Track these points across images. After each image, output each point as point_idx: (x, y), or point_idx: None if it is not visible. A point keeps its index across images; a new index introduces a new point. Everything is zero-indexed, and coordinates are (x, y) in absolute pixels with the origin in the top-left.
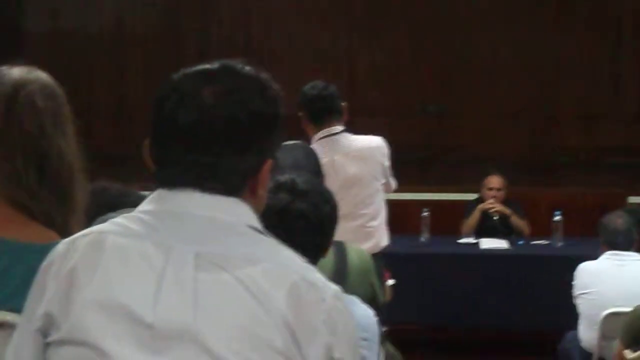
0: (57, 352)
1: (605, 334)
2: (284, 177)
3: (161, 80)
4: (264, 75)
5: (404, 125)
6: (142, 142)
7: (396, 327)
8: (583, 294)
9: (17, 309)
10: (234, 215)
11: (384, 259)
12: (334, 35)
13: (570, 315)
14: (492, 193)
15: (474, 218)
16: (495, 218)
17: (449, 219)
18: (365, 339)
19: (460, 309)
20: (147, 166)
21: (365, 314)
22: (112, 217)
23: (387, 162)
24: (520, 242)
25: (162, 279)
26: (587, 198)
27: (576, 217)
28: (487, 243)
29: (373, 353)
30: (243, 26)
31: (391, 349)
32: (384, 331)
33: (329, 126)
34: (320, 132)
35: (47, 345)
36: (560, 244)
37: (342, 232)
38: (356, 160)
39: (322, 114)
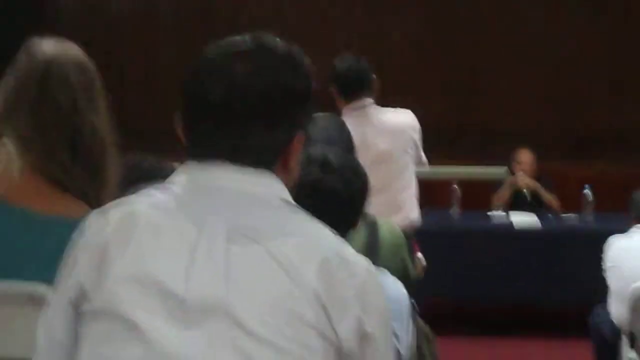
0: (88, 324)
1: (634, 308)
2: (315, 152)
3: (193, 53)
4: (295, 50)
5: (433, 101)
6: (174, 117)
7: (426, 302)
8: (613, 267)
9: (50, 281)
10: (266, 188)
11: (415, 234)
12: (364, 13)
13: (600, 290)
14: (522, 166)
15: (504, 191)
16: (525, 192)
17: (478, 193)
18: (396, 313)
19: (491, 284)
20: (179, 140)
21: (396, 288)
22: (144, 190)
23: (416, 135)
24: (550, 217)
25: (194, 252)
26: (617, 174)
27: (606, 193)
28: (517, 217)
29: (403, 327)
30: (275, 7)
31: (421, 322)
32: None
33: (359, 99)
34: (351, 105)
35: (78, 316)
36: (589, 218)
37: (372, 206)
38: (387, 134)
39: (352, 87)
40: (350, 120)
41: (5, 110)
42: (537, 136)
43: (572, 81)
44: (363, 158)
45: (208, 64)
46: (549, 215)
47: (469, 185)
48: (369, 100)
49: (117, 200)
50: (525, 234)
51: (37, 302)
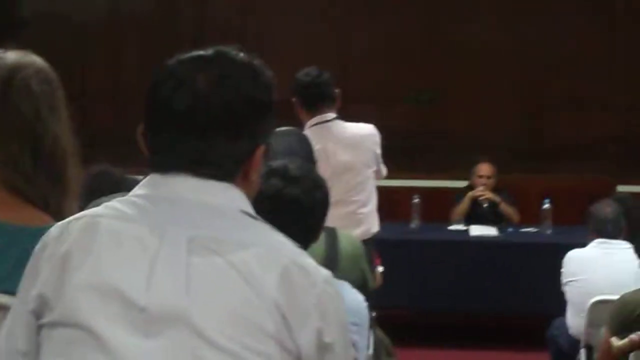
0: (50, 333)
1: (592, 321)
2: (276, 163)
3: (156, 65)
4: (258, 62)
5: (394, 112)
6: (137, 126)
7: (386, 313)
8: (571, 281)
9: (11, 291)
10: (227, 199)
11: (374, 245)
12: (326, 21)
13: (558, 302)
14: (482, 181)
15: (464, 205)
16: (485, 205)
17: (439, 206)
18: (355, 324)
19: (449, 296)
20: (141, 151)
21: (356, 298)
22: (106, 201)
23: (378, 150)
24: (510, 230)
25: (155, 262)
26: (577, 186)
27: (565, 205)
28: (477, 230)
29: (363, 338)
30: (238, 12)
31: (381, 334)
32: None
33: (322, 113)
34: (313, 118)
35: (40, 326)
36: (549, 231)
37: (333, 219)
38: (348, 148)
39: (314, 100)
40: (312, 133)
41: None
42: (498, 148)
43: (534, 94)
44: (324, 170)
45: (171, 75)
46: (509, 228)
47: (430, 197)
48: (331, 115)
49: (80, 213)
50: (485, 246)
51: None
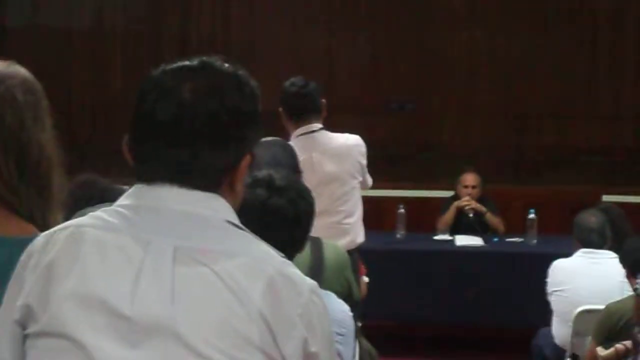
0: (35, 344)
1: (578, 331)
2: (261, 173)
3: (140, 76)
4: (243, 72)
5: (379, 122)
6: (121, 137)
7: (371, 323)
8: (556, 291)
9: None
10: (212, 210)
11: (359, 255)
12: (312, 32)
13: (543, 312)
14: (467, 190)
15: (449, 215)
16: (470, 215)
17: (424, 215)
18: (340, 334)
19: (434, 306)
20: (126, 161)
21: (341, 309)
22: (91, 211)
23: (364, 160)
24: (495, 240)
25: (140, 272)
26: (562, 196)
27: (550, 215)
28: (462, 240)
29: (348, 348)
30: (223, 23)
31: (366, 344)
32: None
33: (308, 123)
34: (299, 129)
35: (25, 337)
36: (534, 241)
37: (318, 229)
38: (334, 158)
39: (301, 111)
40: (298, 143)
41: None
42: (483, 158)
43: (518, 104)
44: (309, 180)
45: (156, 85)
46: (494, 238)
47: (415, 207)
48: (318, 125)
49: (65, 223)
50: (470, 256)
51: None
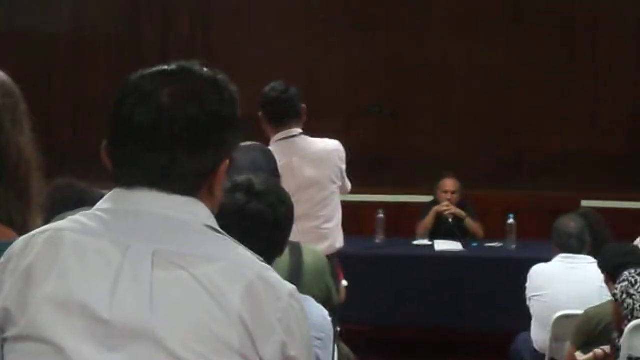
0: (14, 347)
1: (556, 336)
2: (241, 178)
3: (120, 81)
4: (221, 76)
5: (358, 127)
6: (100, 141)
7: (350, 328)
8: (535, 296)
9: None
10: (191, 214)
11: (339, 260)
12: (292, 37)
13: (522, 317)
14: (447, 196)
15: (429, 220)
16: (449, 220)
17: (403, 220)
18: (319, 339)
19: (414, 310)
20: (105, 166)
21: (320, 313)
22: (70, 215)
23: (343, 165)
24: (474, 245)
25: (119, 276)
26: (541, 201)
27: (529, 221)
28: (442, 245)
29: (327, 352)
30: (202, 27)
31: (345, 349)
32: (338, 331)
33: (288, 128)
34: (279, 133)
35: (3, 340)
36: (513, 246)
37: (298, 233)
38: (313, 163)
39: (281, 116)
40: (278, 148)
41: None
42: (462, 164)
43: (498, 108)
44: (288, 185)
45: (135, 90)
46: (473, 243)
47: (394, 212)
48: (298, 130)
49: (44, 227)
50: (449, 261)
51: None
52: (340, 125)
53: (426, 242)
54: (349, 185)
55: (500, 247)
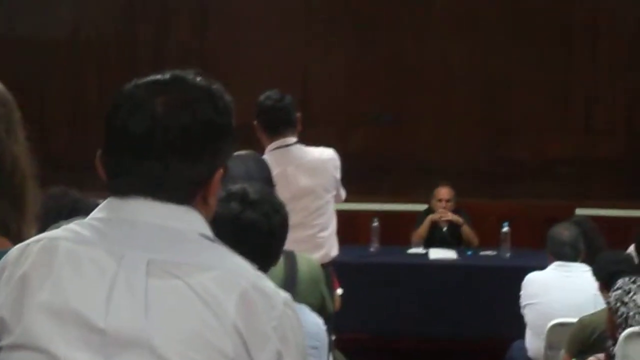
0: (9, 356)
1: (551, 344)
2: (235, 187)
3: (115, 88)
4: (216, 86)
5: (353, 135)
6: (96, 150)
7: (345, 336)
8: (530, 304)
9: None
10: (185, 223)
11: (333, 269)
12: (288, 44)
13: (517, 325)
14: (442, 204)
15: (423, 228)
16: (444, 229)
17: (398, 229)
18: (314, 347)
19: (409, 319)
20: (100, 175)
21: (315, 322)
22: (65, 224)
23: (338, 175)
24: (469, 253)
25: (113, 285)
26: (535, 210)
27: (524, 229)
28: (436, 253)
29: None
30: (198, 35)
31: (340, 357)
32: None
33: (283, 137)
34: (274, 142)
35: None
36: (508, 254)
37: (292, 242)
38: (308, 172)
39: (276, 125)
40: (273, 157)
41: None
42: (457, 172)
43: (492, 118)
44: (283, 194)
45: (129, 99)
46: (468, 251)
47: (389, 220)
48: (293, 139)
49: (39, 236)
50: (444, 270)
51: None
52: (335, 133)
53: (421, 250)
54: (343, 193)
55: (495, 255)
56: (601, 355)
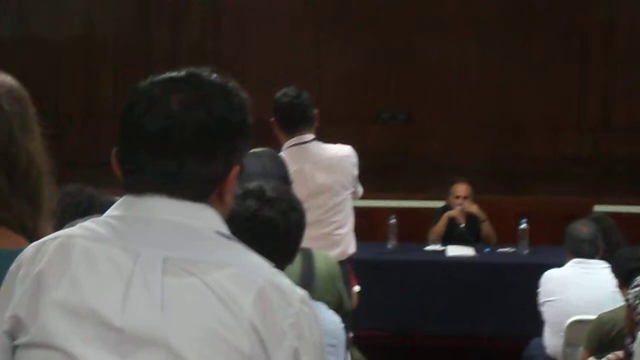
0: (25, 355)
1: (569, 341)
2: (252, 184)
3: (130, 86)
4: (231, 83)
5: (370, 132)
6: (111, 147)
7: (362, 333)
8: (548, 301)
9: None
10: (201, 220)
11: (351, 266)
12: (302, 42)
13: (535, 322)
14: (459, 201)
15: (441, 225)
16: (461, 226)
17: (415, 226)
18: (332, 345)
19: (426, 316)
20: (115, 173)
21: (332, 319)
22: (81, 222)
23: (356, 172)
24: (487, 250)
25: (130, 283)
26: (553, 206)
27: (542, 226)
28: (454, 250)
29: (339, 359)
30: (213, 33)
31: (357, 355)
32: (350, 337)
33: (300, 134)
34: (291, 139)
35: (15, 348)
36: (525, 251)
37: (309, 240)
38: (325, 169)
39: (293, 121)
40: (290, 154)
41: None
42: (474, 168)
43: (510, 115)
44: (300, 191)
45: (144, 96)
46: (485, 248)
47: (406, 217)
48: (310, 136)
49: (55, 234)
50: (461, 267)
51: None
52: (351, 131)
53: (438, 247)
54: (360, 190)
55: (513, 252)
56: (620, 353)
